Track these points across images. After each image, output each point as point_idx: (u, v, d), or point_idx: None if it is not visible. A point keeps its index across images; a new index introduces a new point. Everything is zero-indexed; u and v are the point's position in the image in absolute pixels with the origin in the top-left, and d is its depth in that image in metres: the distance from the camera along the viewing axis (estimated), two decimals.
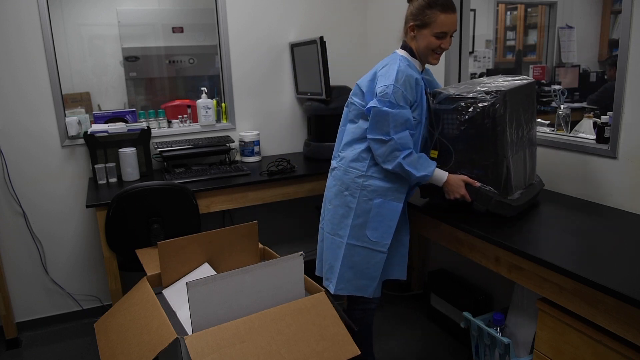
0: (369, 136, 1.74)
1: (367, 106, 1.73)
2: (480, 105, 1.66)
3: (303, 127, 3.13)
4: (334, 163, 1.92)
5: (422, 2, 1.70)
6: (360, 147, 1.80)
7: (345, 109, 1.91)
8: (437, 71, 2.56)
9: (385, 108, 1.67)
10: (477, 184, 1.72)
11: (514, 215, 1.72)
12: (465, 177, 1.74)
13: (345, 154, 1.85)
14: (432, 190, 1.86)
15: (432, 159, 1.82)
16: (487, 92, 1.65)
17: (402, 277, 1.92)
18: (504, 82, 1.74)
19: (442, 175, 1.75)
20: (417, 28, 1.73)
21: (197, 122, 2.88)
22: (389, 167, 1.73)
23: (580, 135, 2.07)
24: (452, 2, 1.70)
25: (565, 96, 2.22)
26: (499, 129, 1.65)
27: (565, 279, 1.34)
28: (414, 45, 1.78)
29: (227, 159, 2.80)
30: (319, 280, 1.91)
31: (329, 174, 1.94)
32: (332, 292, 1.85)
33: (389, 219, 1.79)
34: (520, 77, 1.81)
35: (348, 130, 1.86)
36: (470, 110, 1.68)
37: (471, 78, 3.24)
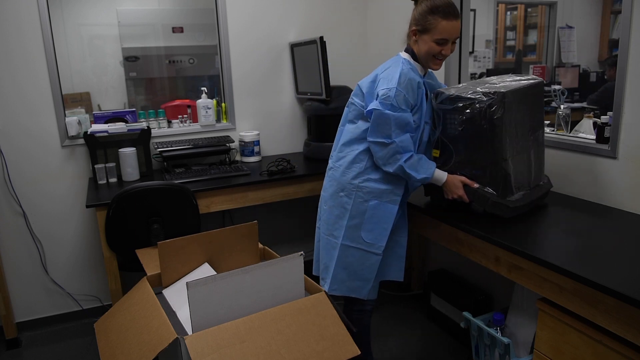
0: (369, 139, 1.74)
1: (368, 108, 1.72)
2: (478, 106, 1.65)
3: (303, 127, 3.13)
4: (330, 163, 1.92)
5: (425, 7, 1.69)
6: (359, 148, 1.80)
7: (345, 109, 1.91)
8: (438, 71, 2.56)
9: (387, 111, 1.67)
10: (475, 185, 1.73)
11: (513, 216, 1.72)
12: (463, 178, 1.75)
13: (343, 155, 1.85)
14: (435, 189, 1.87)
15: (434, 158, 1.83)
16: (485, 93, 1.65)
17: (399, 278, 1.92)
18: (511, 82, 1.73)
19: (441, 175, 1.76)
20: (419, 33, 1.72)
21: (197, 122, 2.88)
22: (390, 169, 1.73)
23: (580, 135, 2.07)
24: (455, 9, 1.68)
25: (565, 96, 2.22)
26: (497, 130, 1.64)
27: (565, 279, 1.34)
28: (416, 49, 1.77)
29: (227, 159, 2.80)
30: (317, 279, 1.91)
31: (326, 173, 1.94)
32: (326, 291, 1.85)
33: (384, 221, 1.79)
34: (529, 77, 1.79)
35: (347, 130, 1.86)
36: (468, 110, 1.68)
37: (471, 78, 3.23)
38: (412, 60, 1.78)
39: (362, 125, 1.80)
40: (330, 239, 1.87)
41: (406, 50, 1.81)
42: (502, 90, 1.62)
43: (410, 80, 1.69)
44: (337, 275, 1.85)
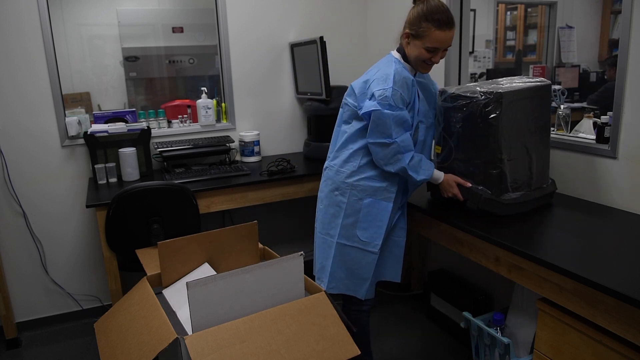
0: (369, 140, 1.74)
1: (366, 110, 1.71)
2: (475, 104, 1.68)
3: (303, 127, 3.13)
4: (326, 162, 1.93)
5: (420, 11, 1.67)
6: (353, 147, 1.81)
7: (340, 109, 1.91)
8: (438, 71, 2.56)
9: (386, 110, 1.67)
10: (468, 184, 1.77)
11: (510, 214, 1.73)
12: (457, 178, 1.80)
13: (338, 154, 1.86)
14: (435, 186, 1.90)
15: (436, 153, 1.91)
16: (483, 93, 1.66)
17: (396, 279, 1.92)
18: (518, 83, 1.73)
19: (438, 175, 1.82)
20: (411, 37, 1.72)
21: (197, 122, 2.88)
22: (392, 169, 1.74)
23: (580, 135, 2.07)
24: (450, 19, 1.66)
25: (565, 96, 2.21)
26: (492, 130, 1.66)
27: (565, 279, 1.34)
28: (406, 51, 1.77)
29: (227, 159, 2.80)
30: (314, 279, 1.91)
31: (322, 173, 1.95)
32: (324, 289, 1.85)
33: (378, 219, 1.80)
34: (537, 80, 1.78)
35: (342, 131, 1.87)
36: (465, 109, 1.72)
37: (471, 78, 3.23)
38: (402, 60, 1.79)
39: (356, 124, 1.80)
40: (326, 238, 1.88)
41: (398, 50, 1.82)
42: (500, 91, 1.63)
43: (404, 79, 1.70)
44: (334, 274, 1.86)
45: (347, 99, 1.84)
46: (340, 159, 1.84)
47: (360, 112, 1.74)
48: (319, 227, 1.92)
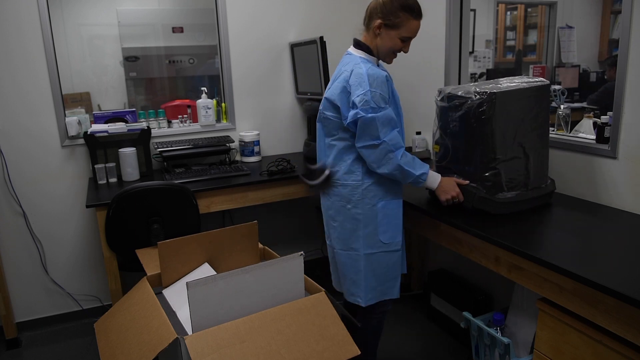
0: (358, 145, 1.71)
1: (350, 119, 1.68)
2: (468, 104, 1.69)
3: (303, 127, 3.13)
4: None
5: (395, 1, 1.66)
6: (350, 157, 1.77)
7: (318, 124, 1.86)
8: (438, 71, 2.57)
9: (370, 114, 1.64)
10: (466, 182, 1.78)
11: (508, 214, 1.74)
12: (455, 178, 1.79)
13: (337, 169, 1.81)
14: None
15: (434, 152, 1.92)
16: (477, 93, 1.67)
17: (403, 270, 1.93)
18: (519, 82, 1.74)
19: (435, 176, 1.78)
20: (386, 27, 1.69)
21: (197, 122, 2.88)
22: (386, 170, 1.70)
23: (580, 135, 2.07)
24: (420, 7, 1.70)
25: (565, 96, 2.22)
26: (486, 129, 1.67)
27: (565, 279, 1.34)
28: (374, 43, 1.74)
29: (227, 159, 2.80)
30: (326, 286, 1.88)
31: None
32: (363, 306, 1.84)
33: (394, 217, 1.81)
34: (537, 80, 1.78)
35: (330, 144, 1.82)
36: (460, 109, 1.73)
37: (471, 78, 3.23)
38: (367, 56, 1.75)
39: (343, 135, 1.76)
40: (350, 253, 1.83)
41: (358, 46, 1.77)
42: (494, 91, 1.63)
43: (379, 78, 1.66)
44: (369, 285, 1.83)
45: (327, 113, 1.78)
46: (341, 172, 1.79)
47: (346, 123, 1.70)
48: (338, 244, 1.86)
